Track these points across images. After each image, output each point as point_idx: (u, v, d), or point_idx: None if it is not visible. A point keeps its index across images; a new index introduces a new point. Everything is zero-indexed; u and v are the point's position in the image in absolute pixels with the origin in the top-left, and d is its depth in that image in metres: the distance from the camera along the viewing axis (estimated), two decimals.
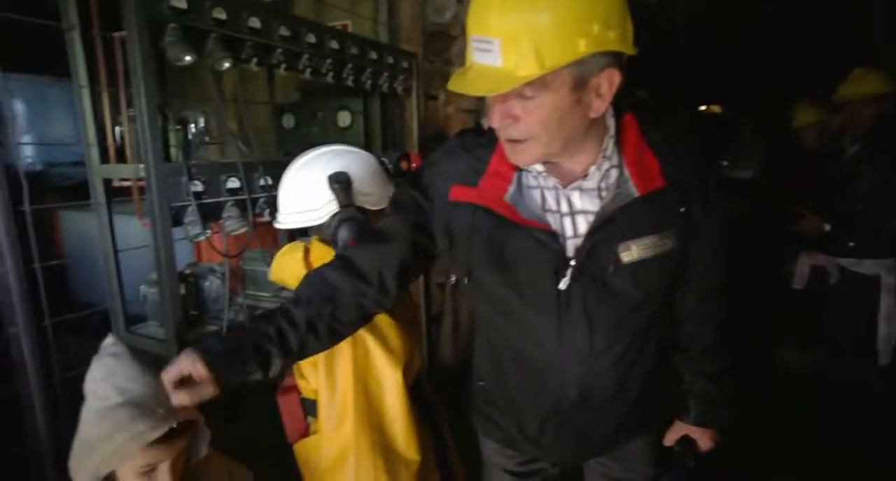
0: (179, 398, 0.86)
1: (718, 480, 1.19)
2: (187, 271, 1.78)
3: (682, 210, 1.00)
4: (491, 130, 1.00)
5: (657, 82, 5.40)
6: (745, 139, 6.98)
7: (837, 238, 2.54)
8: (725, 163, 6.35)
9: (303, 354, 1.01)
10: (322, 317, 1.00)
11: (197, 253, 2.16)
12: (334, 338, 1.05)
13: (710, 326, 1.17)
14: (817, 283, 2.79)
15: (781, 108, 3.58)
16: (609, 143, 0.98)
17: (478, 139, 1.06)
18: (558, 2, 0.81)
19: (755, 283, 2.96)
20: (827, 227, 2.54)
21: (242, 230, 1.70)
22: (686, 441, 1.24)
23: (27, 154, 2.46)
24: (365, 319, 1.09)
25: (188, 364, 0.88)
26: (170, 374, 0.88)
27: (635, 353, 1.08)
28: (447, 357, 3.19)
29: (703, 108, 8.79)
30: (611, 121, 0.99)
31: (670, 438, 1.26)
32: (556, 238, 0.98)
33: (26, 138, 2.52)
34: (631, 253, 0.98)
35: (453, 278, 1.14)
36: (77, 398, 0.92)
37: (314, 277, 1.05)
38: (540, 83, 0.85)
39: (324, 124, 2.77)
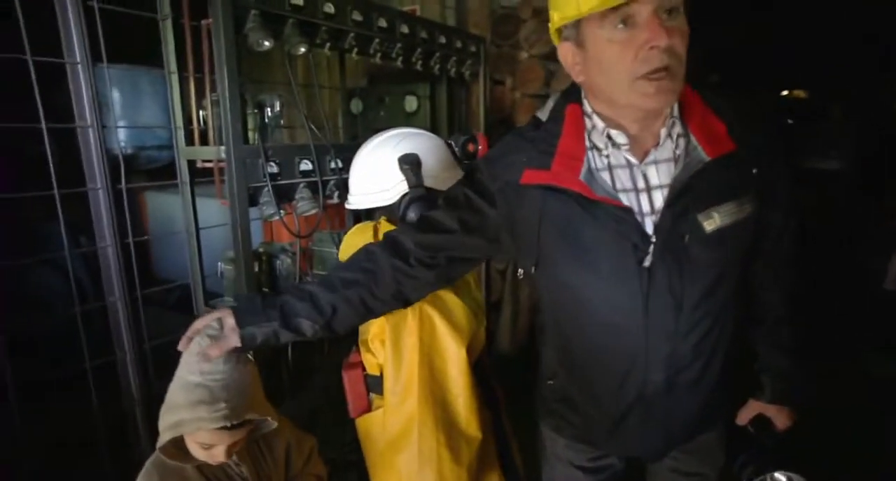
0: (208, 352, 0.96)
1: (795, 461, 1.13)
2: (261, 250, 1.86)
3: (754, 171, 0.98)
4: (549, 120, 1.02)
5: (732, 65, 5.08)
6: (835, 125, 6.47)
7: None
8: (790, 121, 5.98)
9: (331, 324, 1.06)
10: (358, 290, 1.06)
11: (267, 233, 2.25)
12: (368, 312, 1.10)
13: (784, 295, 1.14)
14: None
15: (878, 89, 3.29)
16: (674, 108, 0.96)
17: (537, 130, 1.04)
18: None
19: (840, 282, 2.77)
20: None
21: (313, 211, 1.77)
22: (761, 420, 1.20)
23: (121, 138, 2.65)
24: (401, 300, 1.11)
25: (217, 313, 1.01)
26: (197, 323, 1.01)
27: (719, 330, 1.04)
28: (505, 346, 3.18)
29: (785, 93, 8.20)
30: None
31: (743, 417, 1.22)
32: (632, 214, 0.96)
33: (120, 123, 2.71)
34: (713, 221, 0.96)
35: (521, 271, 1.13)
36: (161, 363, 1.00)
37: (362, 251, 1.12)
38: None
39: (391, 109, 2.81)
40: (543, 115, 1.07)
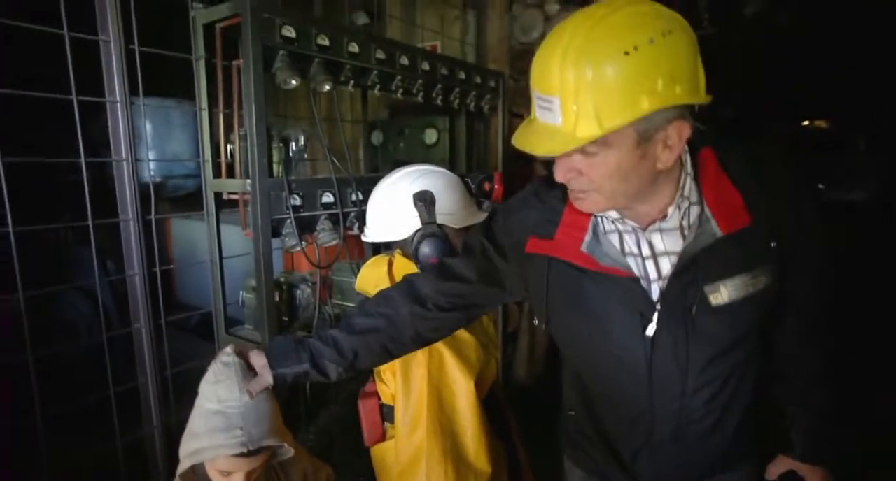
0: (248, 389, 0.98)
1: None
2: (282, 279, 1.91)
3: (772, 245, 0.95)
4: (559, 186, 1.01)
5: (748, 97, 5.08)
6: (859, 156, 6.39)
7: None
8: (822, 186, 5.80)
9: (354, 366, 1.08)
10: (377, 336, 1.08)
11: (287, 262, 2.30)
12: (388, 355, 1.12)
13: (818, 354, 1.09)
14: None
15: None
16: (687, 181, 0.94)
17: (551, 190, 1.05)
18: (618, 60, 0.77)
19: (869, 317, 2.71)
20: None
21: (334, 242, 1.81)
22: (792, 477, 1.16)
23: (151, 168, 2.76)
24: (419, 342, 1.13)
25: (253, 354, 1.04)
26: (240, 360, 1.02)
27: (732, 390, 1.03)
28: (522, 377, 3.16)
29: (805, 123, 8.15)
30: (686, 158, 0.95)
31: (773, 472, 1.18)
32: (638, 283, 0.96)
33: (151, 154, 2.83)
34: (720, 294, 0.94)
35: (536, 320, 1.15)
36: (181, 389, 1.03)
37: (381, 295, 1.15)
38: (602, 141, 0.82)
39: (410, 141, 2.88)
40: None
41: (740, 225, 0.92)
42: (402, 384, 1.22)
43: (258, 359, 1.03)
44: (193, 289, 3.47)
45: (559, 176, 0.91)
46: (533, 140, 0.86)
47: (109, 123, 1.55)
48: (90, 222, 1.55)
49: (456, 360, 1.22)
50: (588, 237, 0.98)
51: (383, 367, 1.28)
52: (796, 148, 6.21)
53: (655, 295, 0.96)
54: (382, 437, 1.34)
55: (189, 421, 0.99)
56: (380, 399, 1.34)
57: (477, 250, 1.12)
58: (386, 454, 1.30)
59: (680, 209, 0.94)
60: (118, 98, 1.51)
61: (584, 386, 1.16)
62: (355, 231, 1.88)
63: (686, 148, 0.94)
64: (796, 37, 4.72)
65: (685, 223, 0.95)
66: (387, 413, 1.32)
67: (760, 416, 1.13)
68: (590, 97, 0.78)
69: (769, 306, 0.99)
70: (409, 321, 1.09)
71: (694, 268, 0.93)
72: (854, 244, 3.17)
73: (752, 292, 0.94)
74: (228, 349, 1.04)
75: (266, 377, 1.01)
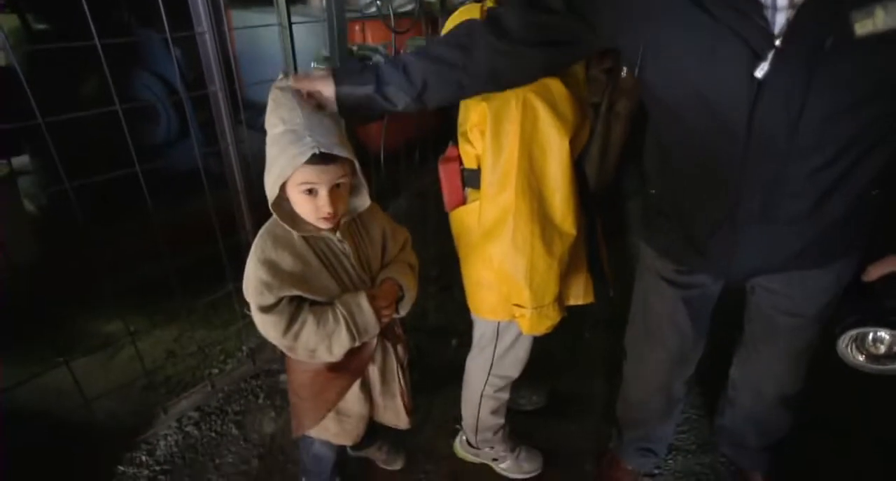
0: (297, 81, 1.01)
1: None
2: (354, 48, 1.79)
3: None
4: None
5: None
6: None
7: None
8: None
9: (422, 97, 1.06)
10: (452, 67, 1.03)
11: (352, 39, 2.15)
12: (459, 90, 1.08)
13: None
14: None
15: None
16: None
17: None
18: None
19: None
20: None
21: (409, 7, 1.64)
22: (892, 281, 1.01)
23: None
24: (495, 81, 1.07)
25: (317, 73, 1.03)
26: (301, 75, 1.04)
27: (847, 166, 0.88)
28: (592, 184, 3.09)
29: None
30: None
31: (874, 273, 1.03)
32: (759, 9, 0.78)
33: None
34: (873, 21, 0.73)
35: (625, 71, 1.01)
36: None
37: (462, 25, 1.06)
38: None
39: None
40: None
41: None
42: (491, 142, 1.16)
43: (320, 73, 1.03)
44: (260, 90, 3.43)
45: None
46: None
47: None
48: None
49: (552, 117, 1.12)
50: None
51: (470, 126, 1.21)
52: None
53: (778, 27, 0.78)
54: (463, 202, 1.33)
55: (266, 157, 0.99)
56: (461, 163, 1.30)
57: None
58: (468, 216, 1.30)
59: None
60: None
61: (669, 153, 1.06)
62: None
63: None
64: None
65: None
66: (468, 177, 1.29)
67: (879, 212, 0.99)
68: None
69: None
70: (489, 55, 1.02)
71: None
72: None
73: None
74: (280, 76, 1.04)
75: (328, 89, 1.01)
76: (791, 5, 0.77)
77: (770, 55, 0.79)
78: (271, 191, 0.99)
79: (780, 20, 0.78)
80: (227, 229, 1.76)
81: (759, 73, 0.81)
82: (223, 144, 1.70)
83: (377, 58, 1.77)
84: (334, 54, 1.64)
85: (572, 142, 1.16)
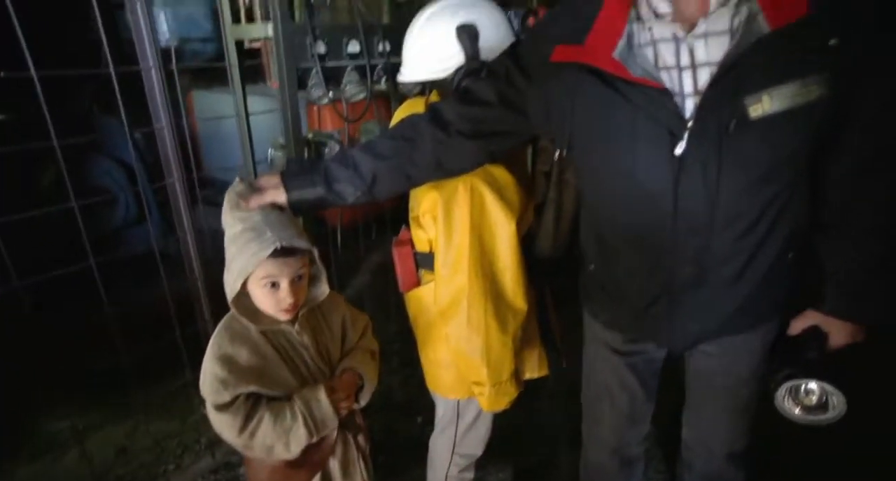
0: (252, 200, 1.03)
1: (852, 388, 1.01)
2: (309, 136, 1.87)
3: (832, 43, 0.81)
4: None
5: None
6: None
7: None
8: None
9: (372, 190, 1.11)
10: (398, 159, 1.09)
11: (312, 121, 2.24)
12: (407, 180, 1.14)
13: (867, 201, 0.98)
14: None
15: None
16: None
17: None
18: None
19: None
20: None
21: (361, 96, 1.74)
22: (816, 332, 1.08)
23: (164, 30, 2.64)
24: (441, 170, 1.14)
25: (267, 175, 1.08)
26: (253, 181, 1.09)
27: (765, 230, 0.96)
28: (546, 249, 3.18)
29: None
30: None
31: (797, 326, 1.10)
32: (669, 97, 0.87)
33: (161, 16, 2.68)
34: (761, 105, 0.83)
35: (557, 153, 1.10)
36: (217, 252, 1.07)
37: (406, 120, 1.14)
38: None
39: None
40: None
41: (795, 15, 0.79)
42: (443, 227, 1.21)
43: (271, 180, 1.07)
44: (220, 162, 3.48)
45: None
46: None
47: None
48: (111, 69, 1.49)
49: (498, 201, 1.19)
50: (621, 44, 0.89)
51: (422, 211, 1.26)
52: None
53: (689, 111, 0.88)
54: (417, 283, 1.37)
55: (225, 257, 1.02)
56: (414, 247, 1.35)
57: (500, 73, 1.06)
58: (423, 297, 1.33)
59: (728, 4, 0.83)
60: None
61: (603, 232, 1.12)
62: (383, 85, 1.79)
63: None
64: None
65: (736, 22, 0.84)
66: (421, 260, 1.34)
67: (795, 273, 1.07)
68: None
69: (818, 126, 0.88)
70: (432, 147, 1.09)
71: (735, 76, 0.83)
72: None
73: (800, 103, 0.83)
74: (237, 179, 1.08)
75: (276, 194, 1.05)
76: (696, 92, 0.88)
77: (685, 135, 0.88)
78: (232, 288, 1.00)
79: (689, 105, 0.89)
80: (186, 317, 1.74)
81: (679, 150, 0.89)
82: (181, 233, 1.72)
83: (332, 144, 1.86)
84: (289, 143, 1.71)
85: (518, 224, 1.23)
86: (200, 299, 1.74)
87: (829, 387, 1.03)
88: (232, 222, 1.01)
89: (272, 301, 1.02)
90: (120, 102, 1.52)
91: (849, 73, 0.84)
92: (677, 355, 1.27)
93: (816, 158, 0.96)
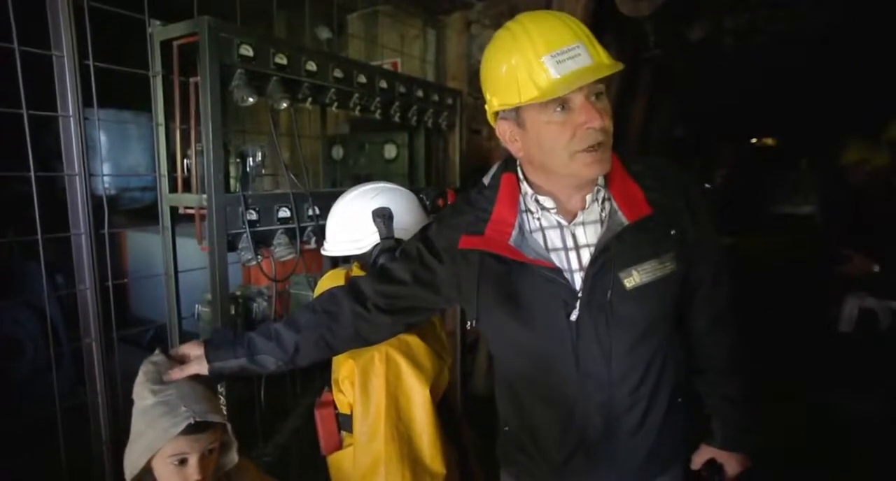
0: (173, 373, 1.07)
1: None
2: (238, 292, 1.91)
3: (672, 232, 1.06)
4: (489, 187, 1.14)
5: (702, 117, 5.33)
6: (802, 173, 6.77)
7: (888, 279, 2.47)
8: (708, 186, 6.25)
9: (294, 360, 1.18)
10: (319, 331, 1.17)
11: (245, 275, 2.30)
12: (329, 350, 1.21)
13: (724, 348, 1.20)
14: (866, 327, 2.69)
15: (837, 144, 3.50)
16: (600, 176, 1.06)
17: (479, 194, 1.15)
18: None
19: (800, 324, 2.89)
20: (876, 269, 2.47)
21: (290, 256, 1.83)
22: (713, 465, 1.23)
23: (106, 181, 2.73)
24: (360, 340, 1.22)
25: (190, 344, 1.15)
26: (174, 351, 1.14)
27: (655, 378, 1.12)
28: (480, 388, 3.21)
29: (754, 140, 8.58)
30: None
31: (697, 462, 1.26)
32: (560, 273, 1.05)
33: (106, 165, 2.79)
34: (632, 278, 1.04)
35: (469, 323, 1.22)
36: (132, 405, 1.06)
37: (326, 294, 1.24)
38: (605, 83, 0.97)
39: (371, 156, 2.92)
40: (487, 179, 1.18)
41: (642, 213, 1.04)
42: (360, 394, 1.26)
43: (194, 349, 1.12)
44: (149, 304, 3.40)
45: (600, 120, 0.96)
46: (584, 75, 0.92)
47: (62, 138, 1.54)
48: (39, 237, 1.54)
49: (412, 369, 1.27)
50: (515, 233, 1.07)
51: (341, 377, 1.31)
52: (740, 163, 6.54)
53: (578, 284, 1.06)
54: (339, 446, 1.37)
55: (131, 430, 1.01)
56: (336, 408, 1.37)
57: (413, 255, 1.19)
58: (343, 462, 1.33)
59: (598, 201, 1.06)
60: (71, 113, 1.51)
61: (516, 396, 1.21)
62: (312, 245, 1.91)
63: None
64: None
65: (604, 215, 1.06)
66: (343, 422, 1.35)
67: (686, 415, 1.21)
68: (593, 42, 0.96)
69: (678, 294, 1.11)
70: (351, 320, 1.17)
71: (608, 256, 1.04)
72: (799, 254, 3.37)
73: (660, 276, 1.05)
74: (155, 352, 1.11)
75: (197, 366, 1.10)
76: (581, 268, 1.07)
77: (577, 304, 1.05)
78: (134, 466, 0.98)
79: (577, 279, 1.07)
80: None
81: (574, 316, 1.06)
82: (91, 397, 1.65)
83: (260, 301, 1.91)
84: (216, 299, 1.74)
85: (433, 390, 1.29)
86: (104, 470, 1.62)
87: None
88: (144, 394, 1.01)
89: (178, 479, 0.99)
90: (43, 265, 1.54)
91: (689, 251, 1.09)
92: None
93: (684, 316, 1.17)
